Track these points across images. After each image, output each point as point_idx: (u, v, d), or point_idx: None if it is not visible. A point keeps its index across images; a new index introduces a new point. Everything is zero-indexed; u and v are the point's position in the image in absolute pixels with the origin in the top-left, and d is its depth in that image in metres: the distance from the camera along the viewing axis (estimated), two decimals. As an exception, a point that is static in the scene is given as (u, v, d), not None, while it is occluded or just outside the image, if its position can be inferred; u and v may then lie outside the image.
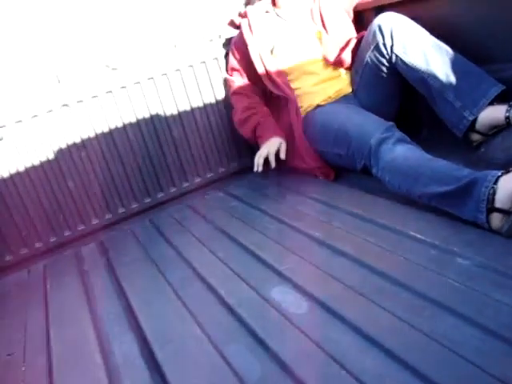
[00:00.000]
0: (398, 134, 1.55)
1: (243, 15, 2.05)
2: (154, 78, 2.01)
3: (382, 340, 0.89)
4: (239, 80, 2.08)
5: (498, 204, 1.14)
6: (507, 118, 1.47)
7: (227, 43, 2.15)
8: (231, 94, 2.12)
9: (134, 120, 1.99)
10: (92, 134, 1.92)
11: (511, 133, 1.48)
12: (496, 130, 1.53)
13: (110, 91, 1.93)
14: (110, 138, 1.96)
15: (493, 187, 1.16)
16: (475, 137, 1.59)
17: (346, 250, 1.26)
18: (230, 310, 1.14)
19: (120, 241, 1.85)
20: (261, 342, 0.98)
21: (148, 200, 2.07)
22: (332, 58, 1.94)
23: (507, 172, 1.17)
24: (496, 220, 1.15)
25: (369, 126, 1.63)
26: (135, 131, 2.00)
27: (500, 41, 1.60)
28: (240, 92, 2.07)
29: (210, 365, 0.96)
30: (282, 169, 2.00)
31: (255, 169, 1.93)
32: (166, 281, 1.39)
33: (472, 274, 1.04)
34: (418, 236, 1.25)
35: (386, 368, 0.82)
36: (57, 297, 1.51)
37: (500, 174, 1.18)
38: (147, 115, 2.01)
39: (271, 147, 1.93)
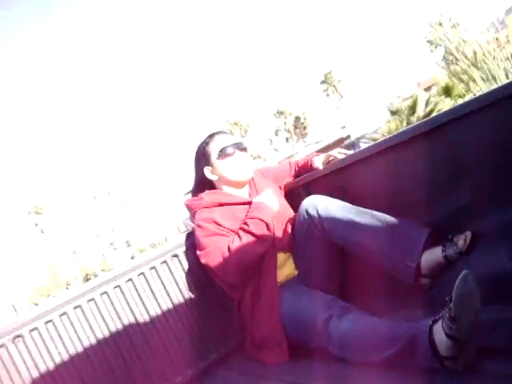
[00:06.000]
0: (339, 306, 1.64)
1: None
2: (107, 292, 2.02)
3: None
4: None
5: (442, 353, 1.24)
6: (445, 256, 1.57)
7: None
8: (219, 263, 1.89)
9: (92, 338, 1.95)
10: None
11: (454, 270, 1.55)
12: (440, 269, 1.61)
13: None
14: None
15: (431, 339, 1.26)
16: (424, 281, 1.65)
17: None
18: None
19: None
20: None
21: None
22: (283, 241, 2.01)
23: (436, 321, 1.28)
24: (449, 365, 1.24)
25: (312, 307, 1.72)
26: (96, 351, 1.94)
27: (417, 191, 1.77)
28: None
29: None
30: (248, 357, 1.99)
31: None
32: None
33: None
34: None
35: None
36: None
37: (431, 322, 1.29)
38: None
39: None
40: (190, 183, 2.26)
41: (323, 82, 44.53)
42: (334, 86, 43.33)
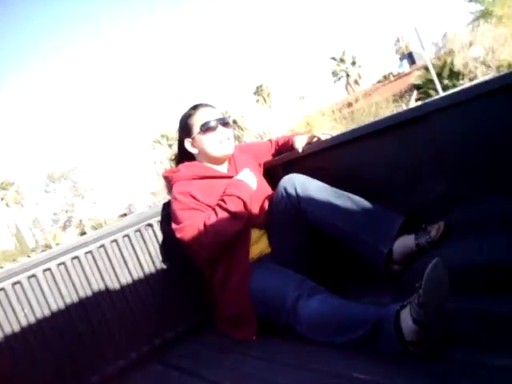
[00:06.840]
0: (309, 286, 1.66)
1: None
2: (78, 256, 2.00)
3: None
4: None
5: (407, 338, 1.27)
6: (417, 245, 1.60)
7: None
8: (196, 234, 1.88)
9: (60, 301, 1.94)
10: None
11: (425, 258, 1.58)
12: (411, 257, 1.64)
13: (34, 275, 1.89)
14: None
15: (397, 324, 1.29)
16: (395, 267, 1.68)
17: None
18: None
19: None
20: None
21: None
22: (259, 218, 2.02)
23: (404, 306, 1.31)
24: (413, 349, 1.27)
25: (282, 285, 1.72)
26: (63, 314, 1.93)
27: (395, 179, 1.79)
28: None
29: None
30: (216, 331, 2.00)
31: None
32: None
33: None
34: (362, 376, 1.25)
35: None
36: None
37: (398, 307, 1.32)
38: (74, 295, 1.97)
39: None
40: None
41: (255, 94, 46.64)
42: (263, 97, 45.09)
